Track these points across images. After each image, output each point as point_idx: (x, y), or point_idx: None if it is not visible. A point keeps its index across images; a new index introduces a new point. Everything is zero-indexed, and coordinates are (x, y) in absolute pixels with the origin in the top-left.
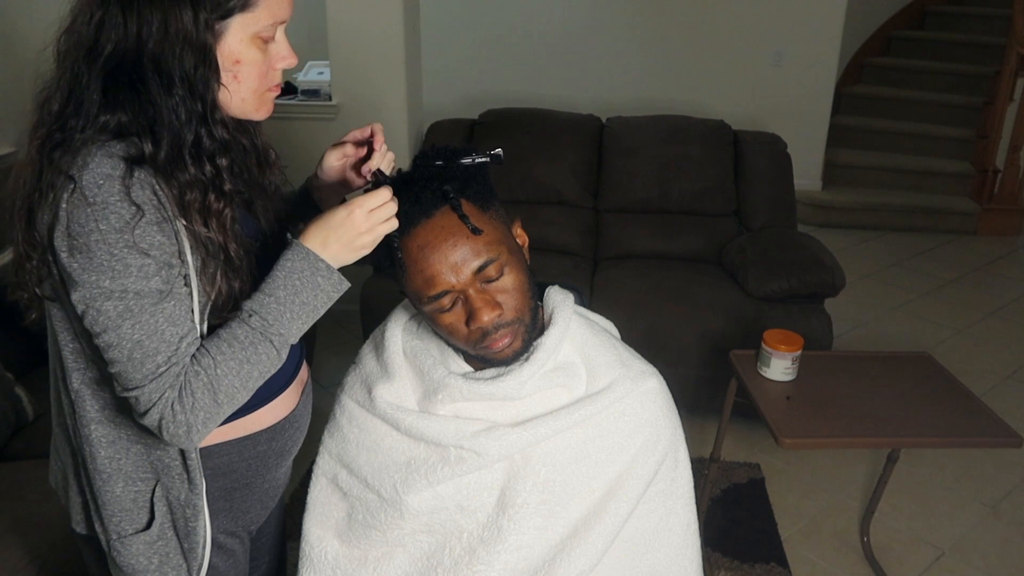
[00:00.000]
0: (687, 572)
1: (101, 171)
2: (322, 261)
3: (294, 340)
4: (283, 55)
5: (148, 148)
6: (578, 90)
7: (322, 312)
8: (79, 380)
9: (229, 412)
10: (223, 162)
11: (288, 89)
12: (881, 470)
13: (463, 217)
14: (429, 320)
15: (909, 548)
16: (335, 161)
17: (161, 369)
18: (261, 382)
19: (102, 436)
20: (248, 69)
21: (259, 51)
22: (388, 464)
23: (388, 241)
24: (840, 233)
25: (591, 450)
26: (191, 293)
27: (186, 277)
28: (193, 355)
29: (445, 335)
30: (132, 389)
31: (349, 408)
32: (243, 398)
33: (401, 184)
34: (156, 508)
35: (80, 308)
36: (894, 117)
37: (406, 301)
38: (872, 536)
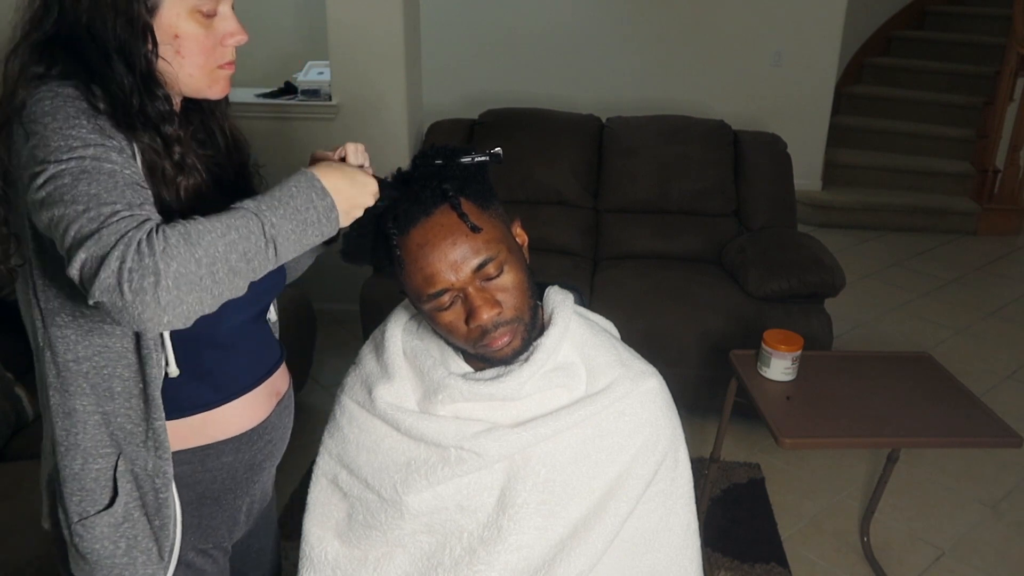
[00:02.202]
0: (687, 572)
1: (59, 83)
2: (319, 180)
3: (284, 245)
4: (231, 31)
5: (99, 103)
6: (578, 90)
7: (312, 237)
8: (42, 339)
9: (210, 288)
10: (169, 130)
11: (288, 89)
12: (881, 470)
13: (462, 215)
14: (429, 319)
15: (909, 548)
16: None
17: (122, 214)
18: (245, 270)
19: (57, 405)
20: (190, 44)
21: (199, 26)
22: (388, 464)
23: (387, 239)
24: (840, 233)
25: (591, 450)
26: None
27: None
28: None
29: (445, 334)
30: (85, 241)
31: (349, 408)
32: (225, 278)
33: (401, 183)
34: (120, 485)
35: (38, 198)
36: (894, 117)
37: (406, 301)
38: (872, 536)
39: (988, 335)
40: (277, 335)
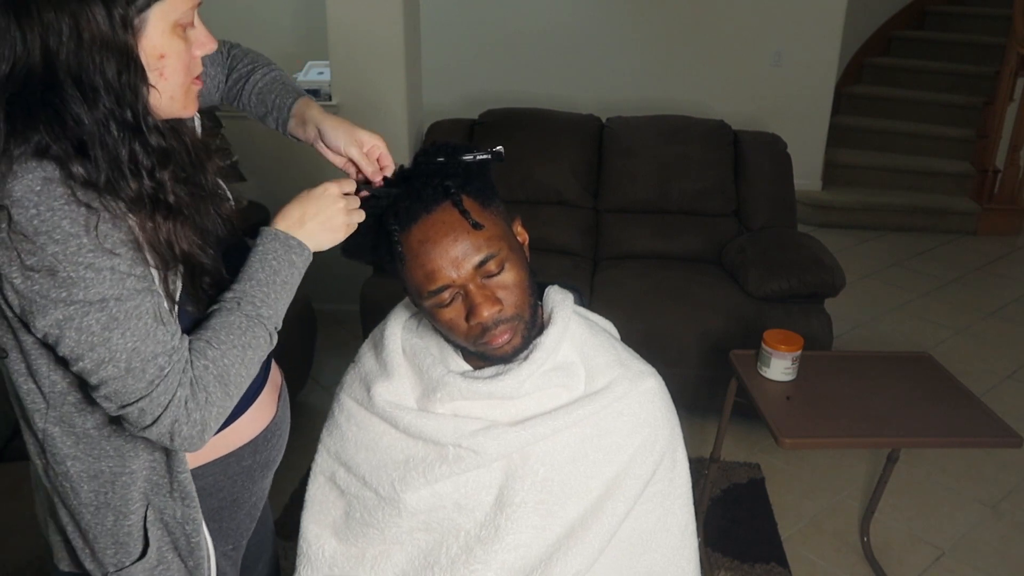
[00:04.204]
0: (684, 573)
1: (35, 177)
2: (293, 239)
3: (279, 322)
4: (202, 41)
5: (80, 170)
6: (578, 90)
7: (295, 286)
8: (43, 420)
9: (234, 404)
10: (164, 176)
11: None
12: (881, 470)
13: (464, 212)
14: (429, 316)
15: (909, 548)
16: (350, 149)
17: (166, 369)
18: (257, 367)
19: (82, 471)
20: (173, 63)
21: (181, 40)
22: (386, 462)
23: (389, 236)
24: (840, 233)
25: (589, 450)
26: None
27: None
28: (193, 349)
29: (445, 331)
30: (136, 401)
31: (348, 406)
32: (245, 387)
33: (403, 180)
34: (150, 533)
35: (54, 333)
36: (894, 117)
37: (406, 300)
38: (872, 536)
39: (988, 335)
40: None
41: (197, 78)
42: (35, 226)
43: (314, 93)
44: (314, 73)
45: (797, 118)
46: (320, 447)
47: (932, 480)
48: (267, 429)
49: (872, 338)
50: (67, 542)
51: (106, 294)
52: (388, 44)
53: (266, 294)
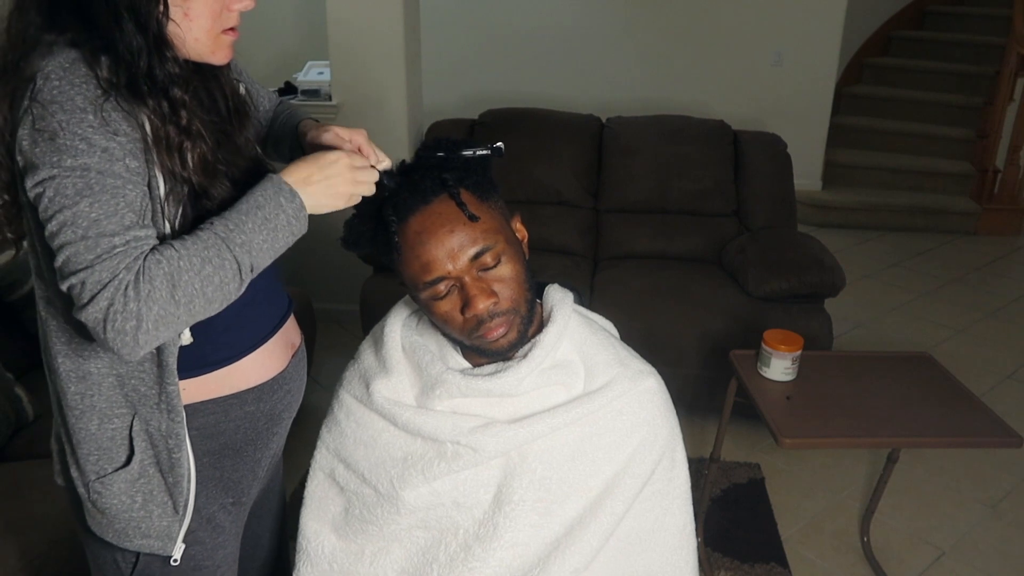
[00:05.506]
0: (682, 572)
1: (66, 57)
2: (286, 184)
3: (255, 261)
4: None
5: (103, 71)
6: (578, 90)
7: (284, 240)
8: (44, 308)
9: (185, 321)
10: (177, 94)
11: (288, 89)
12: (881, 470)
13: (460, 204)
14: (425, 308)
15: (909, 548)
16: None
17: (117, 249)
18: (220, 297)
19: (70, 370)
20: (199, 6)
21: None
22: (385, 459)
23: (387, 227)
24: (840, 233)
25: (588, 448)
26: (158, 201)
27: (151, 181)
28: (155, 249)
29: (440, 323)
30: (80, 271)
31: (347, 403)
32: (200, 309)
33: (403, 173)
34: (135, 444)
35: (35, 192)
36: (894, 117)
37: (407, 297)
38: (872, 536)
39: (988, 335)
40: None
41: (233, 30)
42: (52, 96)
43: (314, 93)
44: (314, 73)
45: (797, 118)
46: (319, 443)
47: (932, 480)
48: (275, 380)
49: (872, 338)
50: (61, 451)
51: (91, 165)
52: (388, 44)
53: (243, 222)
